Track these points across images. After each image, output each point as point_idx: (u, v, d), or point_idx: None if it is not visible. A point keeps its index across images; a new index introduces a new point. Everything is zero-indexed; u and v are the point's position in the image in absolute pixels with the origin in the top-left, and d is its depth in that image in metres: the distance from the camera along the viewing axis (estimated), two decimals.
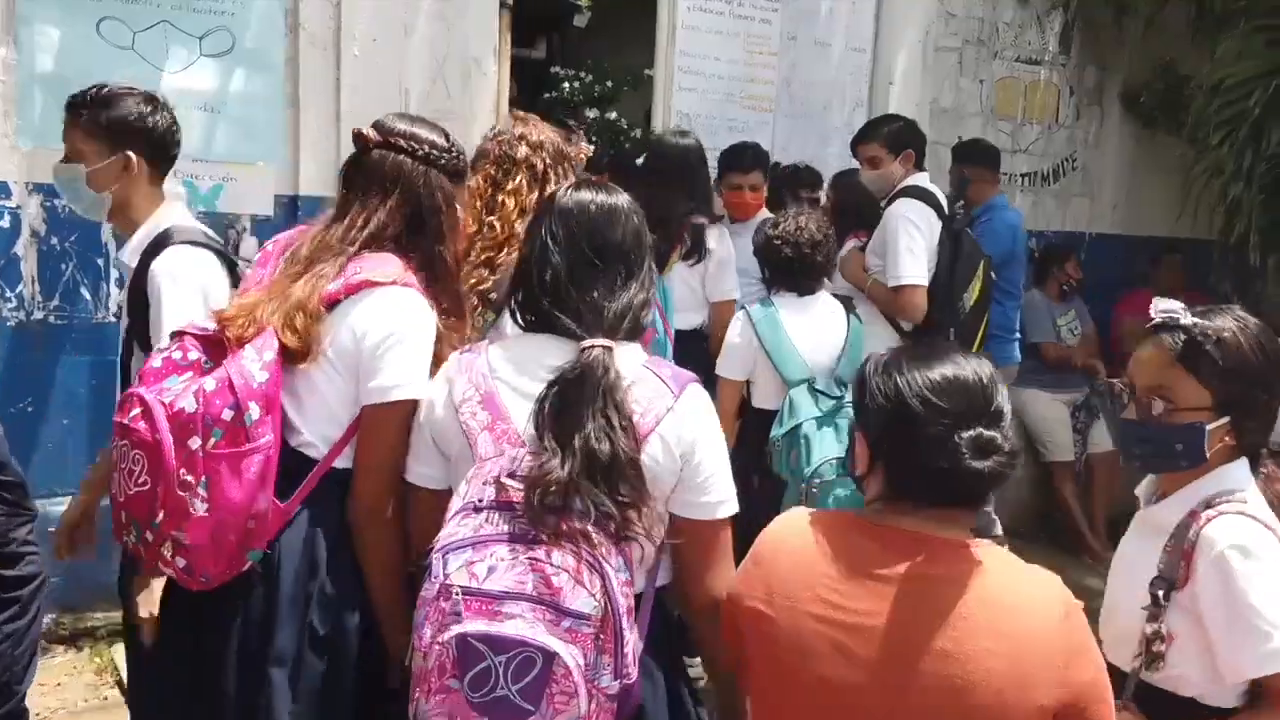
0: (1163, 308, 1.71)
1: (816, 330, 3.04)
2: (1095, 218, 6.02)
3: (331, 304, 1.73)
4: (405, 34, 3.70)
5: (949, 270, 3.47)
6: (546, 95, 6.43)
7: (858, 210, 3.73)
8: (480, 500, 1.46)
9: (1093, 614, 1.54)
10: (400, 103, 3.67)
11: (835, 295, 3.28)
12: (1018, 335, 4.58)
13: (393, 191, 1.80)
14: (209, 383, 1.63)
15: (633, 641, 1.45)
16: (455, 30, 3.81)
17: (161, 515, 1.59)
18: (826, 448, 2.86)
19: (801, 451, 2.86)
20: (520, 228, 2.11)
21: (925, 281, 3.38)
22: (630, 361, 1.58)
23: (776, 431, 2.90)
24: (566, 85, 6.40)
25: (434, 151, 1.83)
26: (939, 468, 1.37)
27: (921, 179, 3.60)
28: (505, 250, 2.17)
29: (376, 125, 1.84)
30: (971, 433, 1.37)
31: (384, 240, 1.79)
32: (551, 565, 1.40)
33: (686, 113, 4.46)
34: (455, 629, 1.38)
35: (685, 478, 1.58)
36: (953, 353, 1.47)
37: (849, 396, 3.00)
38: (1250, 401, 1.69)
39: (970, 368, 1.43)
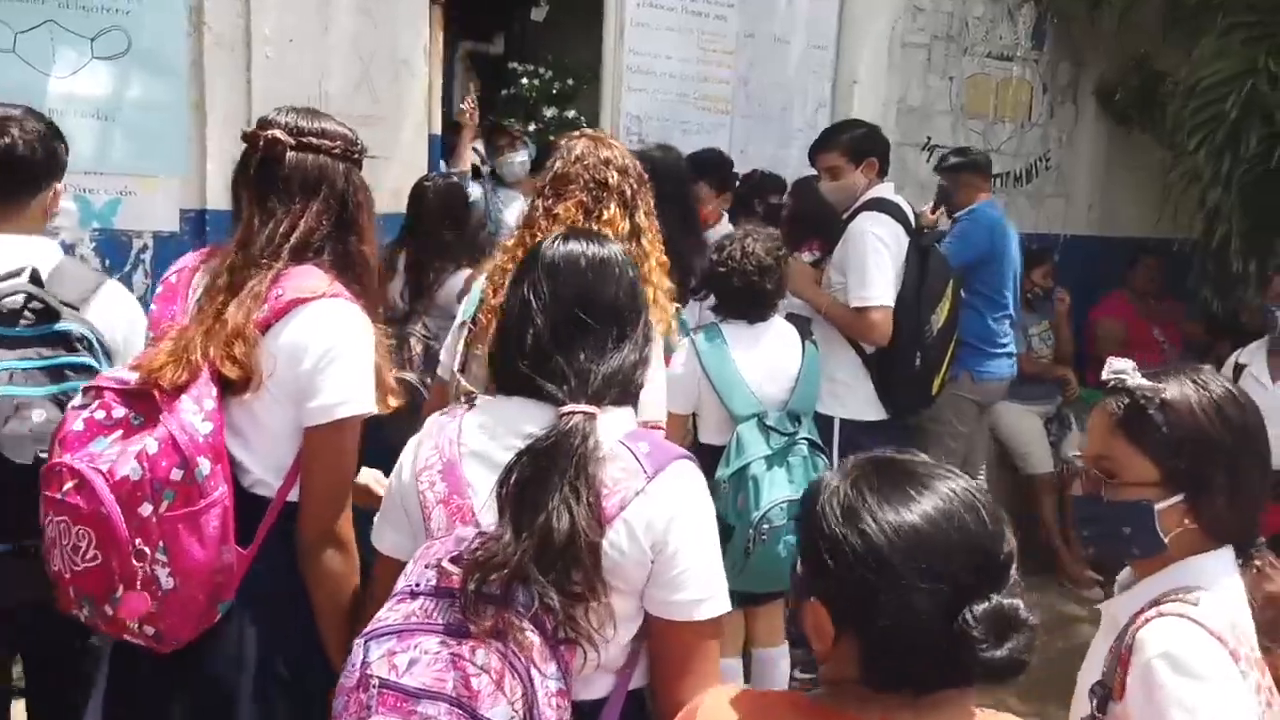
0: (1113, 367, 1.46)
1: (768, 360, 2.78)
2: (1070, 218, 5.80)
3: (263, 329, 1.62)
4: (324, 31, 3.40)
5: (915, 289, 3.20)
6: (505, 92, 6.14)
7: (816, 220, 3.46)
8: (418, 585, 1.34)
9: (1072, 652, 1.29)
10: (320, 107, 3.37)
11: (792, 315, 3.02)
12: (1007, 347, 4.31)
13: (316, 195, 1.69)
14: (150, 444, 1.51)
15: None
16: (382, 28, 3.51)
17: (121, 590, 1.50)
18: (777, 489, 2.61)
19: (750, 494, 2.61)
20: None
21: (892, 302, 3.12)
22: (611, 432, 1.41)
23: (723, 472, 2.64)
24: (525, 81, 6.09)
25: (349, 147, 1.75)
26: (941, 656, 1.02)
27: (886, 190, 3.33)
28: None
29: (278, 126, 1.70)
30: (985, 606, 1.01)
31: (310, 248, 1.69)
32: (474, 665, 1.26)
33: (637, 114, 4.19)
34: None
35: (657, 571, 1.39)
36: (932, 473, 1.09)
37: (802, 432, 2.75)
38: (1205, 479, 1.40)
39: (964, 497, 1.06)
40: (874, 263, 3.10)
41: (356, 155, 1.77)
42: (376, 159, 3.51)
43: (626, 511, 1.36)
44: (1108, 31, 5.26)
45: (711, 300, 2.95)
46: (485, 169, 4.58)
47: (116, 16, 3.11)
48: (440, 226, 3.30)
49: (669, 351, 2.32)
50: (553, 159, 2.22)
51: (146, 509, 1.49)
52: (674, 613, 1.40)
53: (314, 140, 1.70)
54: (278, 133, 1.69)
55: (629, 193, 2.15)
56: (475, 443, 1.46)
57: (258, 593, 1.63)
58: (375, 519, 1.59)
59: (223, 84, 3.26)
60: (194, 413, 1.55)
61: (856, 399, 3.17)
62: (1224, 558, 1.43)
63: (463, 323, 2.20)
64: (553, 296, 1.47)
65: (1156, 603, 1.39)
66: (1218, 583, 1.40)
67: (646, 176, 2.22)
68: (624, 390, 1.47)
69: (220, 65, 3.26)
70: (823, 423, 2.98)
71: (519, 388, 1.47)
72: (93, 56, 3.10)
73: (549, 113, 5.86)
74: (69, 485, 1.50)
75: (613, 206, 2.12)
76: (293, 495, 1.68)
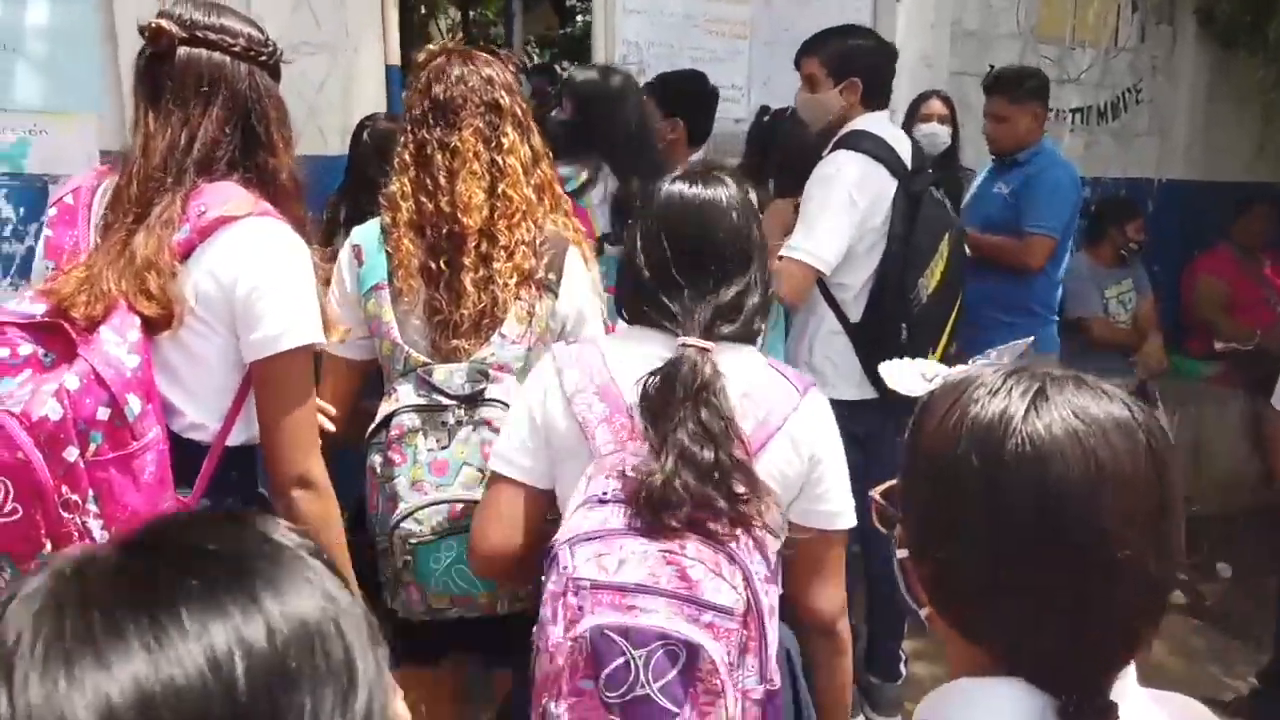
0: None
1: None
2: (1164, 160, 5.05)
3: (185, 254, 1.50)
4: None
5: (902, 244, 2.63)
6: (564, 31, 5.72)
7: (797, 160, 2.86)
8: (605, 493, 1.41)
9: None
10: None
11: None
12: (1049, 313, 3.68)
13: (215, 98, 1.54)
14: (70, 380, 1.39)
15: (775, 644, 1.37)
16: None
17: (49, 546, 1.38)
18: None
19: None
20: (529, 192, 1.89)
21: (821, 265, 2.56)
22: (749, 364, 1.55)
23: None
24: (580, 20, 5.64)
25: (253, 46, 1.59)
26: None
27: (875, 121, 2.73)
28: (530, 223, 1.89)
29: (170, 17, 1.53)
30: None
31: (217, 161, 1.55)
32: (687, 558, 1.33)
33: (635, 41, 3.69)
34: (589, 622, 1.30)
35: (808, 482, 1.55)
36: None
37: None
38: (926, 543, 0.90)
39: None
40: (817, 209, 2.55)
41: (265, 57, 1.61)
42: (320, 94, 3.18)
43: (787, 425, 1.50)
44: None
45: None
46: None
47: None
48: (375, 174, 2.88)
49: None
50: (422, 83, 1.92)
51: (72, 453, 1.38)
52: (818, 522, 1.55)
53: (210, 35, 1.55)
54: (165, 23, 1.53)
55: (520, 113, 1.94)
56: (620, 368, 1.54)
57: None
58: (499, 449, 1.62)
59: (135, 8, 2.89)
60: (117, 345, 1.43)
61: (839, 375, 2.64)
62: (1004, 696, 0.84)
63: (376, 285, 1.87)
64: (667, 236, 1.56)
65: None
66: None
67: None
68: (743, 327, 1.55)
69: None
70: None
71: (643, 320, 1.58)
72: None
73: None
74: None
75: (510, 132, 1.91)
76: (234, 439, 1.58)
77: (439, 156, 1.88)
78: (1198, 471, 4.57)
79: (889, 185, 2.61)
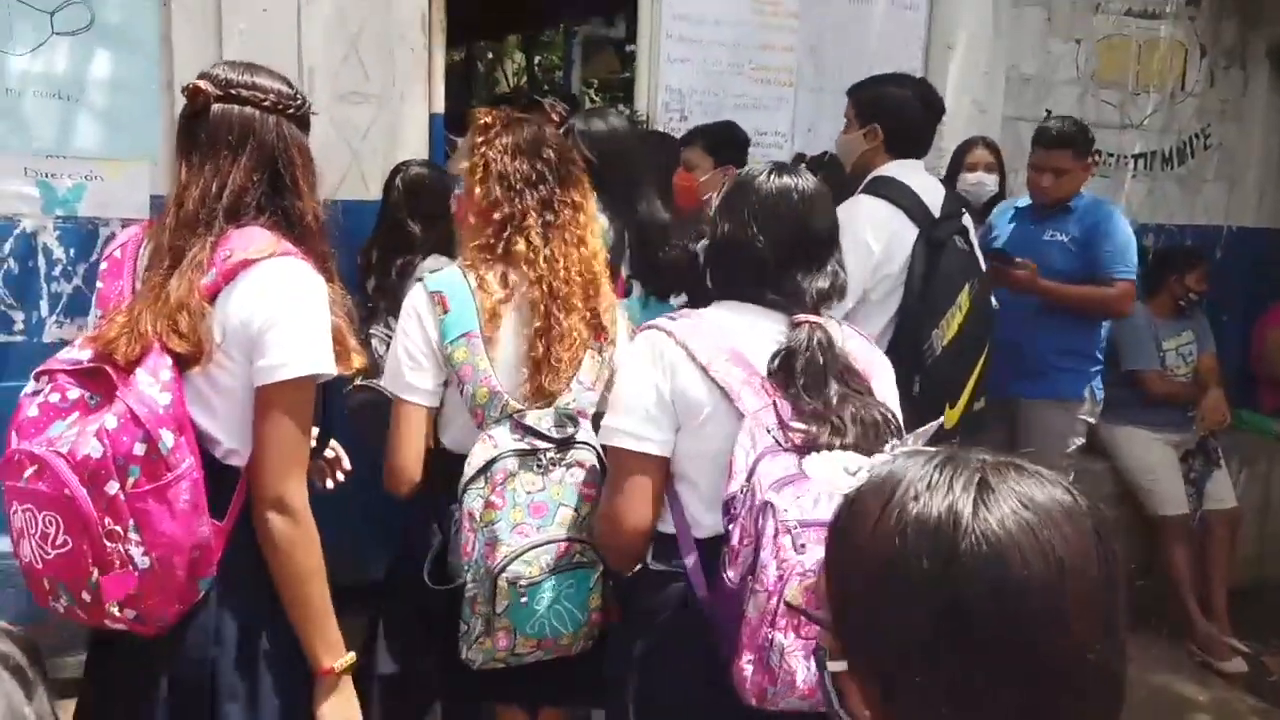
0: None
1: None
2: (1235, 208, 4.87)
3: (212, 296, 1.59)
4: (307, 2, 3.11)
5: (918, 296, 2.56)
6: (625, 75, 5.79)
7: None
8: (781, 443, 1.56)
9: None
10: (300, 83, 3.07)
11: None
12: (1094, 363, 3.59)
13: (243, 148, 1.64)
14: (109, 420, 1.48)
15: None
16: None
17: (96, 573, 1.48)
18: None
19: None
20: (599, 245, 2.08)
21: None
22: (843, 333, 1.75)
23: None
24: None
25: (282, 100, 1.69)
26: None
27: (902, 168, 2.69)
28: (604, 279, 2.06)
29: (207, 77, 1.66)
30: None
31: (246, 207, 1.64)
32: None
33: (679, 89, 3.70)
34: (813, 556, 1.43)
35: None
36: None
37: None
38: (870, 660, 0.82)
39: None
40: None
41: (293, 110, 1.70)
42: (365, 141, 3.26)
43: (877, 378, 1.75)
44: None
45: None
46: None
47: None
48: (405, 217, 2.94)
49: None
50: (520, 141, 2.01)
51: (113, 487, 1.47)
52: None
53: (243, 92, 1.65)
54: (202, 83, 1.65)
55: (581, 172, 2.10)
56: (738, 338, 1.69)
57: (236, 566, 1.61)
58: (620, 427, 1.71)
59: (193, 60, 2.98)
60: (150, 384, 1.52)
61: None
62: None
63: (466, 334, 1.91)
64: (775, 223, 1.72)
65: None
66: None
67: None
68: (829, 305, 1.77)
69: (190, 40, 3.01)
70: None
71: (746, 298, 1.74)
72: (53, 32, 2.92)
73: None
74: (29, 471, 1.48)
75: (577, 194, 2.04)
76: None
77: (566, 213, 2.00)
78: (1265, 533, 4.35)
79: (908, 232, 2.56)
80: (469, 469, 1.85)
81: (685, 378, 1.66)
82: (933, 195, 2.63)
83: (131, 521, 1.49)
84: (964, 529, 0.75)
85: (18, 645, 0.64)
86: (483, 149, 1.99)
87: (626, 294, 2.62)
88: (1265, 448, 4.50)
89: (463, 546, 1.85)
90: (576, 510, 1.87)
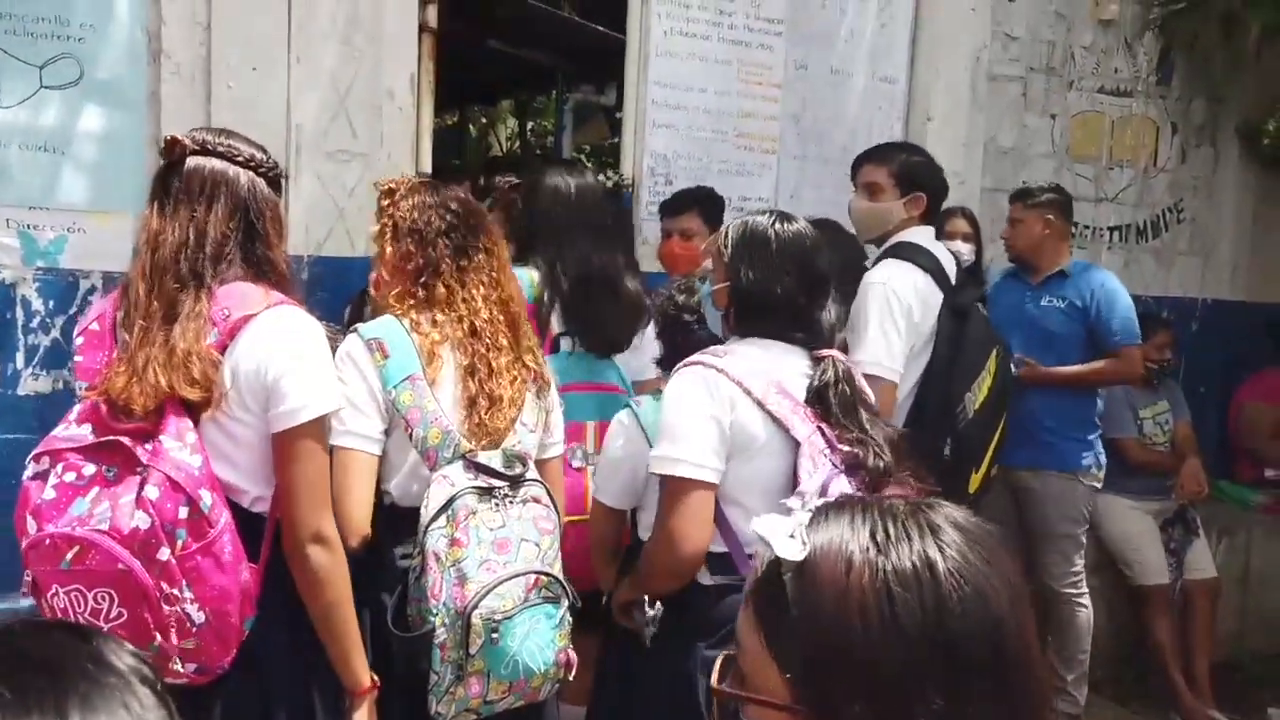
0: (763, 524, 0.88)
1: None
2: (1210, 281, 4.95)
3: (219, 353, 1.66)
4: (297, 62, 3.14)
5: (947, 360, 2.61)
6: (614, 140, 5.91)
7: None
8: (838, 465, 1.75)
9: None
10: (289, 141, 3.12)
11: None
12: (1094, 429, 3.66)
13: (216, 199, 1.72)
14: (151, 491, 1.54)
15: None
16: (363, 57, 3.23)
17: (159, 639, 1.54)
18: None
19: None
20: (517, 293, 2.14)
21: (893, 376, 2.54)
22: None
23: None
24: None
25: (254, 160, 1.79)
26: None
27: (922, 235, 2.79)
28: (525, 323, 2.12)
29: (185, 136, 1.77)
30: None
31: (226, 256, 1.72)
32: None
33: (664, 153, 3.76)
34: None
35: None
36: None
37: None
38: (833, 709, 0.79)
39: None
40: (878, 323, 2.53)
41: (264, 170, 1.80)
42: (351, 199, 3.28)
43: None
44: (1247, 59, 4.46)
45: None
46: None
47: (68, 44, 2.94)
48: None
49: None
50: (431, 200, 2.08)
51: (164, 553, 1.53)
52: None
53: (218, 148, 1.75)
54: (179, 135, 1.75)
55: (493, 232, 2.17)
56: (775, 372, 1.86)
57: (273, 603, 1.68)
58: (683, 456, 1.83)
59: (181, 117, 3.01)
60: (179, 449, 1.58)
61: None
62: None
63: (409, 377, 1.92)
64: (797, 266, 1.90)
65: None
66: None
67: None
68: (833, 336, 1.99)
69: (179, 97, 3.03)
70: None
71: (771, 335, 1.92)
72: (41, 85, 2.93)
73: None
74: (71, 554, 1.50)
75: (494, 245, 2.11)
76: None
77: (480, 258, 2.05)
78: (1246, 604, 4.33)
79: (937, 296, 2.63)
80: (428, 509, 1.84)
81: (744, 411, 1.82)
82: (948, 262, 2.70)
83: (184, 582, 1.55)
84: (941, 572, 0.78)
85: (145, 664, 0.65)
86: (390, 211, 2.04)
87: (554, 349, 2.62)
88: (1244, 518, 4.52)
89: (429, 589, 1.82)
90: (538, 545, 1.89)
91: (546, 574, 1.88)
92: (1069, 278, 3.62)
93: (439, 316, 1.97)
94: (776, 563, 0.81)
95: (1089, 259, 4.54)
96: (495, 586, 1.80)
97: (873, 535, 0.79)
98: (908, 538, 0.79)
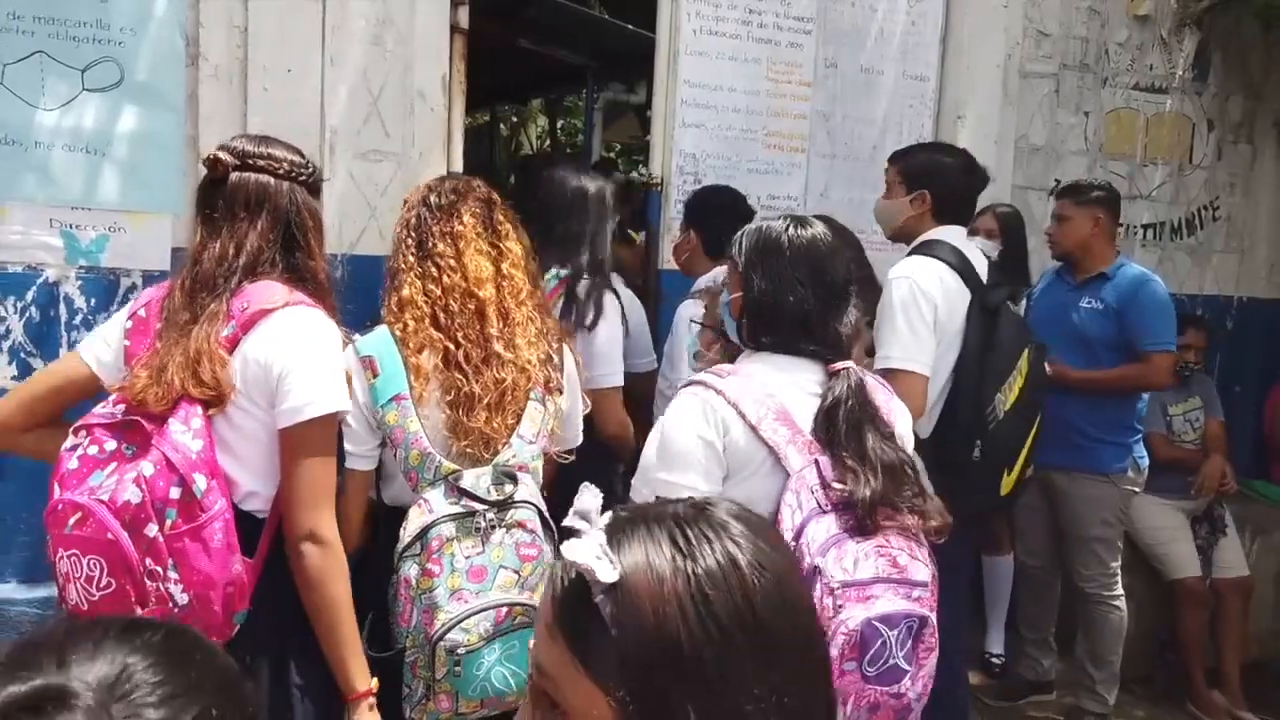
0: (578, 505, 0.87)
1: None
2: (1246, 279, 4.89)
3: (232, 346, 1.70)
4: (331, 63, 3.19)
5: (977, 359, 2.59)
6: (645, 138, 5.94)
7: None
8: (823, 505, 1.67)
9: None
10: (323, 141, 3.16)
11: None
12: (1133, 434, 3.62)
13: (259, 213, 1.77)
14: (146, 468, 1.59)
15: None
16: (394, 58, 3.27)
17: (139, 611, 1.57)
18: None
19: None
20: (527, 277, 2.05)
21: (925, 369, 2.53)
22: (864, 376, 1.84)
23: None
24: None
25: (294, 169, 1.82)
26: None
27: (949, 233, 2.78)
28: (531, 305, 2.04)
29: (226, 149, 1.81)
30: None
31: (261, 264, 1.76)
32: (894, 549, 1.64)
33: (692, 152, 3.76)
34: (857, 616, 1.56)
35: None
36: None
37: None
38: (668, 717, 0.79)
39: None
40: (902, 316, 2.53)
41: (304, 178, 1.84)
42: (383, 197, 3.32)
43: (896, 421, 1.84)
44: None
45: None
46: None
47: (109, 47, 3.00)
48: None
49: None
50: (417, 197, 2.10)
51: (152, 530, 1.56)
52: None
53: (259, 161, 1.79)
54: (221, 154, 1.79)
55: (509, 213, 2.12)
56: (782, 394, 1.77)
57: (268, 603, 1.68)
58: (676, 480, 1.73)
59: (218, 118, 3.09)
60: (183, 433, 1.63)
61: None
62: None
63: (395, 396, 1.90)
64: (811, 274, 1.80)
65: None
66: None
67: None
68: (851, 346, 1.87)
69: (216, 99, 3.09)
70: None
71: (784, 348, 1.82)
72: (83, 89, 3.00)
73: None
74: (73, 519, 1.56)
75: (505, 221, 2.08)
76: None
77: (441, 244, 1.97)
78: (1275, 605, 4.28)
79: (964, 293, 2.61)
80: (405, 536, 1.83)
81: (737, 436, 1.73)
82: (978, 261, 2.69)
83: (170, 561, 1.58)
84: (744, 565, 0.82)
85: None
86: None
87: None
88: (1278, 518, 4.45)
89: (400, 614, 1.83)
90: (518, 572, 1.84)
91: (522, 605, 1.83)
92: (1110, 279, 3.55)
93: (413, 322, 1.93)
94: (580, 587, 0.80)
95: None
96: (463, 619, 1.78)
97: (674, 542, 0.81)
98: (706, 539, 0.82)
